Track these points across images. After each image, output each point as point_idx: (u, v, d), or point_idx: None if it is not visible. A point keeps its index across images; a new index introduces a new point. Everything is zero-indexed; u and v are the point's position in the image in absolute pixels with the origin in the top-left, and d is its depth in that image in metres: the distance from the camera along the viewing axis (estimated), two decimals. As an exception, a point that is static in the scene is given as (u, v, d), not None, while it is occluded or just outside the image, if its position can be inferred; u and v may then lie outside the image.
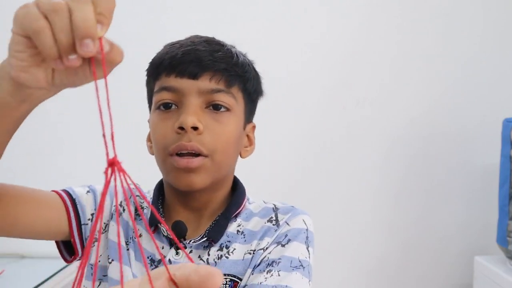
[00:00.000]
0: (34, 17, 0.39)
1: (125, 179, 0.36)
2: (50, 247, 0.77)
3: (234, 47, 0.76)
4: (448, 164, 1.79)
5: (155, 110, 0.72)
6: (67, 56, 0.39)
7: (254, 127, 0.81)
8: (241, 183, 0.80)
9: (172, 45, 0.73)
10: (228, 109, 0.71)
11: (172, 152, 0.68)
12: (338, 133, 1.76)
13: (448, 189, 1.79)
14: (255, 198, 0.81)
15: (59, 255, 0.76)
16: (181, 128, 0.67)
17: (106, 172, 0.35)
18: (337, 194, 1.76)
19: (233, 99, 0.72)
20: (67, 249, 0.75)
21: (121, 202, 0.76)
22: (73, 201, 0.72)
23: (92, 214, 0.74)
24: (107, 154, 0.35)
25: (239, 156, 0.78)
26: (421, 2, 1.76)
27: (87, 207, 0.73)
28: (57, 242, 0.75)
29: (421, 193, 1.79)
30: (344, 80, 1.76)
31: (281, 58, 1.71)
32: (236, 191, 0.78)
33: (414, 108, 1.77)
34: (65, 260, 0.76)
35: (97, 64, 0.40)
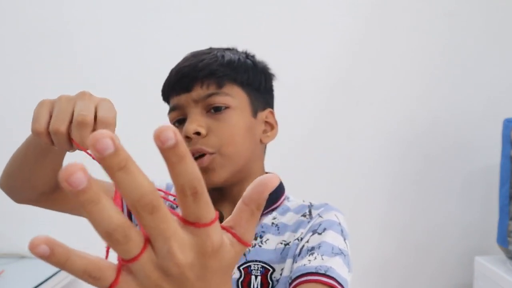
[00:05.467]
0: (63, 141, 0.54)
1: None
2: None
3: (224, 50, 0.82)
4: (448, 164, 1.79)
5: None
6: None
7: (271, 112, 0.84)
8: (280, 181, 0.84)
9: (171, 70, 0.81)
10: (227, 107, 0.76)
11: None
12: (338, 133, 1.76)
13: (448, 189, 1.79)
14: (295, 197, 0.86)
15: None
16: (187, 137, 0.74)
17: None
18: (337, 195, 1.76)
19: (229, 97, 0.77)
20: None
21: None
22: None
23: None
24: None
25: (262, 145, 0.83)
26: (421, 2, 1.76)
27: None
28: None
29: (421, 193, 1.79)
30: (344, 80, 1.76)
31: (281, 58, 1.71)
32: None
33: (414, 108, 1.77)
34: None
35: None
